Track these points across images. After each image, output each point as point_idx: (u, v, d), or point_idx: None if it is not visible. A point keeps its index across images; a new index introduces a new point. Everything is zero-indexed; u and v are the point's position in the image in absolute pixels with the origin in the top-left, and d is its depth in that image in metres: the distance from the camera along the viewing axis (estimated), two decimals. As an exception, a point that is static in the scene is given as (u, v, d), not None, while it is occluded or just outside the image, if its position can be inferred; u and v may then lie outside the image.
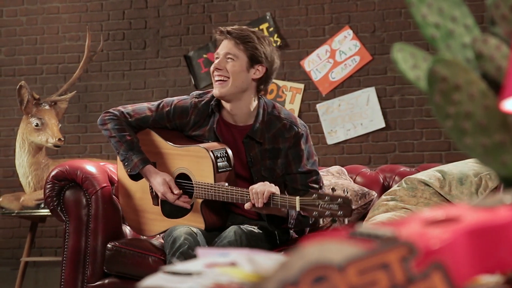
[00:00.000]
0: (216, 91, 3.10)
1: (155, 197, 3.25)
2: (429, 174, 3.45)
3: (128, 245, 3.34)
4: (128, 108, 3.26)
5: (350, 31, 5.61)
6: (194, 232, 2.97)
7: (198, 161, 3.09)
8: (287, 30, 5.73)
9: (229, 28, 3.11)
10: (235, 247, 2.85)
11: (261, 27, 5.75)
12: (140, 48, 5.98)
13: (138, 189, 3.30)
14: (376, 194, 3.65)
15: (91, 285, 3.38)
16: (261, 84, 3.11)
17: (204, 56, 5.87)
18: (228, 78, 3.07)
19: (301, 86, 5.66)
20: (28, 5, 6.18)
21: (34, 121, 4.82)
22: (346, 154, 5.58)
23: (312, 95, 5.66)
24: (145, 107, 3.25)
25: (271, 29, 5.73)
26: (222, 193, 2.98)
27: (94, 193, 3.42)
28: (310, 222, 3.08)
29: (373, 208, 3.46)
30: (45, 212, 4.82)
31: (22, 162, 4.88)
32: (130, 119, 3.22)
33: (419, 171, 3.83)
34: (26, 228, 5.88)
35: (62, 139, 4.81)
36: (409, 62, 1.09)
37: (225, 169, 3.05)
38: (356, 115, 5.55)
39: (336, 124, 5.57)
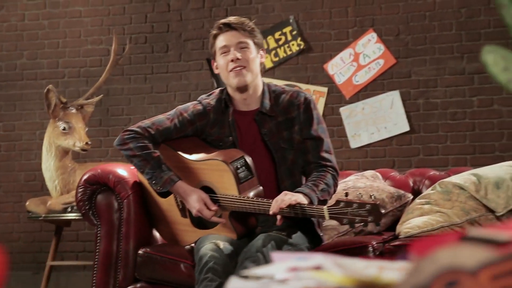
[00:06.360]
0: (236, 80, 3.13)
1: (181, 209, 3.23)
2: (464, 178, 3.42)
3: (159, 251, 3.31)
4: (146, 122, 3.24)
5: (374, 34, 5.58)
6: (220, 248, 2.93)
7: (219, 175, 3.08)
8: (311, 34, 5.71)
9: (230, 22, 3.19)
10: (264, 253, 2.84)
11: (284, 30, 5.73)
12: (162, 51, 5.97)
13: (164, 201, 3.29)
14: (412, 196, 3.63)
15: (123, 289, 3.37)
16: (263, 66, 3.23)
17: (227, 59, 5.85)
18: (245, 66, 3.13)
19: (325, 89, 5.64)
20: (50, 8, 6.18)
21: (61, 125, 4.82)
22: (370, 157, 5.55)
23: (336, 98, 5.64)
24: (163, 118, 3.25)
25: (295, 32, 5.71)
26: (247, 204, 3.00)
27: (126, 197, 3.40)
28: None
29: (407, 212, 3.44)
30: (71, 216, 4.82)
31: (48, 166, 4.86)
32: (152, 132, 3.19)
33: (449, 175, 3.79)
34: (48, 232, 5.87)
35: (90, 142, 4.80)
36: (499, 64, 1.07)
37: (247, 178, 3.06)
38: (380, 118, 5.53)
39: (359, 128, 5.54)
